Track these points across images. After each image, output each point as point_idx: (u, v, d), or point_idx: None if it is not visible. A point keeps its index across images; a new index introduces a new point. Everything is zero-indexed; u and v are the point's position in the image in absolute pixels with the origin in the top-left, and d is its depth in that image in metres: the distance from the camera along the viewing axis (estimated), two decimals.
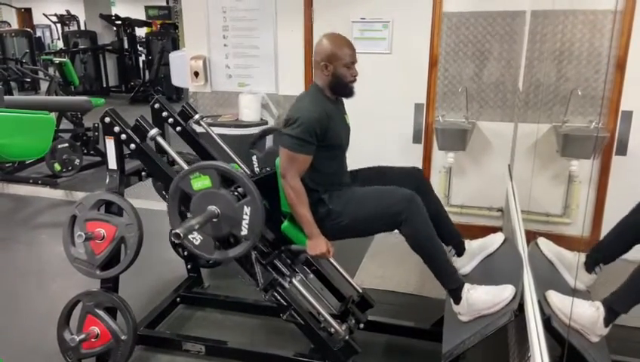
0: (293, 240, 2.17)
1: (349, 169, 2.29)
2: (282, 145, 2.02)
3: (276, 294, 2.11)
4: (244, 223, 1.88)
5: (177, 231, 1.74)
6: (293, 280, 2.16)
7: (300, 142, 1.98)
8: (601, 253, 2.08)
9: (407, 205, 1.96)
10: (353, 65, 2.08)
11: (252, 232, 1.88)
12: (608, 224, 3.17)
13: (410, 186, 2.07)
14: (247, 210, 1.86)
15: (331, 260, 2.50)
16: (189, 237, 1.95)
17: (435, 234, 2.01)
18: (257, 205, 1.85)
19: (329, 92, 2.12)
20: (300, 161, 2.01)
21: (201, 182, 1.90)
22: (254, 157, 2.60)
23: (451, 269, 2.05)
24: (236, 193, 1.95)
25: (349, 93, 2.13)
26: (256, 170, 2.54)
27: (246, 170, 2.55)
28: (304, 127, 1.97)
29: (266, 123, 3.79)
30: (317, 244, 2.06)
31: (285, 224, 2.17)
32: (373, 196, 2.06)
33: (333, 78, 2.07)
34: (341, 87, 2.10)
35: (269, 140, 2.96)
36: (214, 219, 1.89)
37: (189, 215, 1.98)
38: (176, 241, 1.78)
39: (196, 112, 2.63)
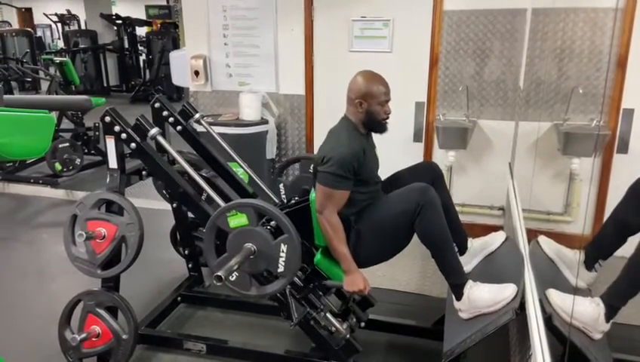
0: (327, 274, 2.16)
1: None
2: (319, 182, 2.02)
3: (279, 295, 2.11)
4: (281, 261, 1.87)
5: (219, 273, 1.73)
6: (327, 315, 2.14)
7: (337, 178, 1.98)
8: (597, 248, 2.08)
9: (422, 195, 1.95)
10: (387, 102, 2.08)
11: (289, 269, 1.87)
12: None
13: (426, 180, 2.08)
14: (284, 247, 1.86)
15: None
16: None
17: (447, 227, 2.00)
18: (295, 243, 1.84)
19: (362, 127, 2.12)
20: (338, 197, 2.01)
21: (237, 220, 1.89)
22: (281, 186, 2.61)
23: (458, 264, 2.04)
24: (269, 227, 1.95)
25: (382, 129, 2.13)
26: (283, 197, 2.55)
27: (271, 195, 2.55)
28: (341, 163, 1.97)
29: (266, 122, 3.79)
30: (354, 281, 2.05)
31: (318, 257, 2.15)
32: (390, 200, 2.07)
33: (367, 116, 2.07)
34: (375, 124, 2.10)
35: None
36: (251, 257, 1.88)
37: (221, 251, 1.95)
38: (219, 284, 1.77)
39: (196, 111, 2.63)
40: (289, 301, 2.10)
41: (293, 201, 2.26)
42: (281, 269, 1.87)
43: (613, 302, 1.77)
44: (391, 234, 2.07)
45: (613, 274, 1.84)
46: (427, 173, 2.20)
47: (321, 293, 2.20)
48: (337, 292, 2.48)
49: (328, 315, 2.14)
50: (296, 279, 2.10)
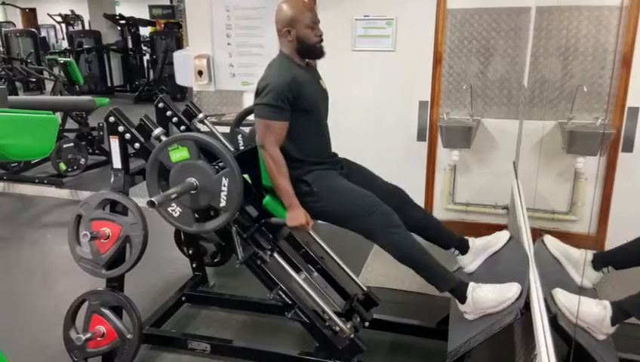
0: (275, 214, 2.17)
1: (342, 155, 2.30)
2: (256, 116, 2.02)
3: (281, 293, 2.11)
4: (223, 195, 1.86)
5: (153, 199, 1.71)
6: (275, 254, 2.15)
7: (272, 108, 1.97)
8: (616, 258, 2.06)
9: (386, 221, 1.99)
10: (316, 25, 2.07)
11: (231, 204, 1.86)
12: (615, 221, 3.19)
13: (390, 204, 2.06)
14: (225, 181, 1.85)
15: (336, 258, 2.50)
16: (168, 209, 1.95)
17: (416, 243, 2.02)
18: (235, 176, 1.84)
19: (297, 57, 2.11)
20: (276, 128, 2.00)
21: (179, 154, 1.89)
22: (239, 136, 2.60)
23: (443, 272, 2.04)
24: (217, 167, 1.95)
25: (318, 53, 2.12)
26: (242, 147, 2.53)
27: (231, 148, 2.54)
28: (274, 93, 1.96)
29: None
30: (296, 216, 2.05)
31: (267, 198, 2.16)
32: (357, 197, 2.06)
33: (298, 42, 2.06)
34: (308, 49, 2.09)
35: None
36: (192, 191, 1.88)
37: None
38: (150, 208, 1.73)
39: (200, 111, 2.63)
40: (235, 240, 2.08)
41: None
42: (223, 204, 1.87)
43: (631, 311, 1.75)
44: (341, 222, 2.10)
45: (622, 279, 1.83)
46: (393, 198, 2.17)
47: (271, 236, 2.21)
48: (341, 293, 2.48)
49: (332, 315, 2.14)
50: (241, 219, 2.11)
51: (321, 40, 2.10)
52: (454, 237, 2.25)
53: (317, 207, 2.10)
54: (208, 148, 1.90)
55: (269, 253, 2.15)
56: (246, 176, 2.09)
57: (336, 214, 2.09)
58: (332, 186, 2.09)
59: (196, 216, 1.98)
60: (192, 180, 1.88)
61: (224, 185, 1.85)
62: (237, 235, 2.09)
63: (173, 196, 1.80)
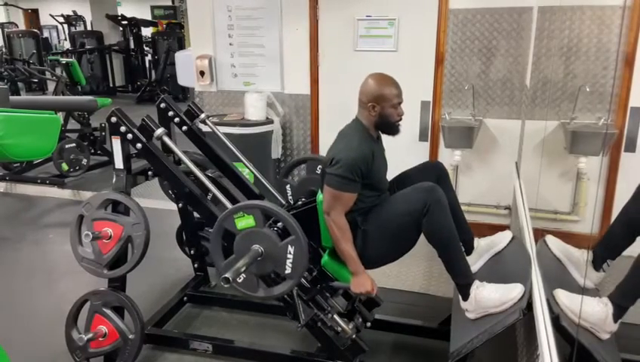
0: (334, 275, 2.15)
1: None
2: (326, 184, 2.01)
3: (286, 296, 2.11)
4: (288, 262, 1.86)
5: (227, 275, 1.73)
6: (335, 316, 2.14)
7: (345, 180, 1.97)
8: (606, 248, 2.07)
9: (429, 194, 1.93)
10: (400, 105, 2.08)
11: (296, 271, 1.86)
12: None
13: (432, 179, 2.06)
14: (291, 249, 1.85)
15: None
16: None
17: (454, 226, 1.99)
18: (302, 245, 1.84)
19: (373, 131, 2.11)
20: (345, 199, 2.00)
21: (244, 222, 1.89)
22: (288, 187, 2.60)
23: (465, 264, 2.03)
24: (276, 228, 1.95)
25: (395, 132, 2.12)
26: (290, 198, 2.54)
27: (277, 195, 2.55)
28: (349, 165, 1.96)
29: (271, 122, 3.78)
30: (362, 282, 2.04)
31: (325, 259, 2.14)
32: (396, 200, 2.05)
33: (380, 119, 2.06)
34: (388, 126, 2.10)
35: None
36: (258, 258, 1.88)
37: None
38: (226, 285, 1.77)
39: (202, 112, 2.64)
40: (296, 302, 2.09)
41: (300, 202, 2.26)
42: (288, 271, 1.87)
43: (621, 302, 1.76)
44: (398, 234, 2.05)
45: (621, 274, 1.83)
46: (433, 173, 2.19)
47: (328, 295, 2.20)
48: (343, 293, 2.48)
49: (334, 315, 2.14)
50: (303, 280, 2.10)
51: (401, 119, 2.10)
52: (468, 235, 2.24)
53: (372, 247, 2.06)
54: (275, 217, 1.91)
55: (329, 315, 2.13)
56: None
57: (389, 228, 2.03)
58: (375, 213, 2.07)
59: (259, 281, 1.97)
60: (258, 248, 1.87)
61: (290, 253, 1.85)
62: (298, 298, 2.09)
63: (243, 269, 1.81)
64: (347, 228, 2.01)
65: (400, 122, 2.10)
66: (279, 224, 1.95)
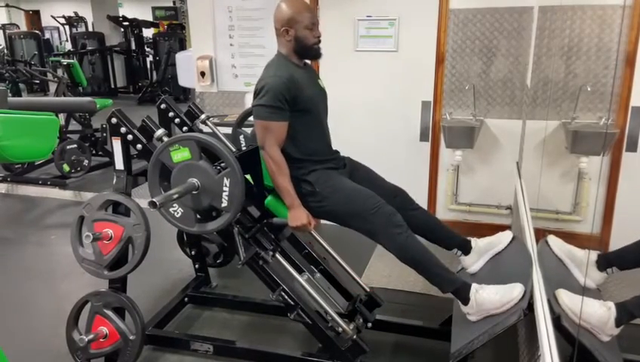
0: (277, 214, 2.17)
1: (345, 155, 2.30)
2: (255, 117, 2.02)
3: (284, 294, 2.11)
4: (224, 195, 1.86)
5: (154, 199, 1.71)
6: (276, 255, 2.15)
7: (270, 109, 1.98)
8: (620, 259, 2.05)
9: (388, 221, 1.98)
10: (315, 26, 2.07)
11: (232, 204, 1.86)
12: (619, 221, 3.17)
13: (393, 204, 2.06)
14: (226, 181, 1.85)
15: (338, 259, 2.49)
16: (170, 209, 1.95)
17: (418, 245, 2.01)
18: (237, 176, 1.83)
19: (295, 57, 2.11)
20: (275, 129, 2.00)
21: (180, 154, 1.89)
22: (242, 137, 2.60)
23: (446, 273, 2.03)
24: (219, 168, 1.95)
25: (315, 54, 2.13)
26: (244, 148, 2.53)
27: (233, 148, 2.54)
28: (272, 93, 1.97)
29: None
30: (298, 216, 2.05)
31: (269, 198, 2.16)
32: (359, 196, 2.05)
33: (296, 42, 2.07)
34: (306, 49, 2.09)
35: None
36: (194, 192, 1.87)
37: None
38: (152, 209, 1.73)
39: (202, 112, 2.63)
40: (237, 240, 2.07)
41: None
42: (224, 204, 1.87)
43: (636, 312, 1.74)
44: (343, 222, 2.10)
45: (624, 276, 1.82)
46: (396, 199, 2.17)
47: (272, 236, 2.21)
48: (344, 293, 2.48)
49: (335, 315, 2.14)
50: (243, 219, 2.11)
51: (319, 41, 2.10)
52: (457, 238, 2.24)
53: (319, 207, 2.10)
54: (210, 148, 1.90)
55: (270, 253, 2.14)
56: (248, 176, 2.09)
57: (338, 214, 2.09)
58: (334, 186, 2.09)
59: (198, 216, 1.98)
60: (194, 180, 1.88)
61: (226, 186, 1.85)
62: (239, 236, 2.08)
63: (175, 196, 1.80)
64: (283, 162, 2.02)
65: (318, 44, 2.10)
66: (222, 165, 1.94)
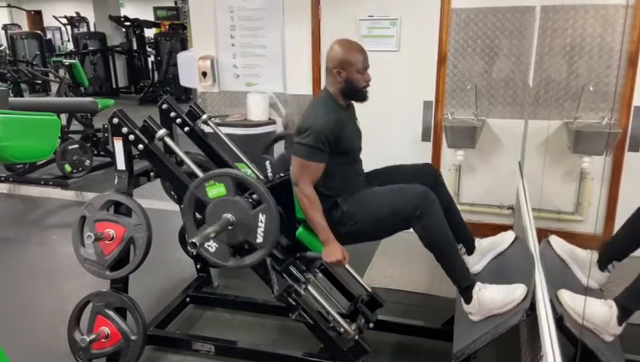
0: (309, 246, 2.15)
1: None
2: (294, 154, 2.01)
3: (285, 294, 2.10)
4: (260, 231, 1.86)
5: (194, 240, 1.73)
6: (309, 287, 2.14)
7: (311, 150, 1.97)
8: (613, 249, 2.06)
9: (421, 201, 1.93)
10: (366, 70, 2.07)
11: (267, 240, 1.87)
12: (621, 221, 3.12)
13: (424, 182, 2.05)
14: (262, 217, 1.85)
15: None
16: (205, 245, 1.95)
17: (449, 230, 1.99)
18: (273, 213, 1.84)
19: (341, 98, 2.10)
20: (312, 169, 2.00)
21: (216, 190, 1.89)
22: (267, 163, 2.60)
23: (464, 267, 2.02)
24: (251, 200, 1.95)
25: (363, 98, 2.11)
26: (270, 175, 2.53)
27: (258, 174, 2.54)
28: (316, 135, 1.96)
29: (274, 122, 3.78)
30: (332, 251, 2.04)
31: (300, 230, 2.14)
32: (386, 195, 2.04)
33: (347, 85, 2.06)
34: (355, 92, 2.08)
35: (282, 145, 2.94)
36: (229, 227, 1.88)
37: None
38: (193, 250, 1.77)
39: (204, 112, 2.63)
40: (270, 273, 2.07)
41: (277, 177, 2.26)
42: (259, 240, 1.87)
43: (628, 305, 1.74)
44: (380, 225, 2.06)
45: (627, 275, 1.82)
46: (427, 176, 2.17)
47: (304, 268, 2.20)
48: (346, 294, 2.48)
49: (336, 316, 2.13)
50: (276, 252, 2.10)
51: (368, 85, 2.09)
52: (467, 235, 2.23)
53: (352, 229, 2.07)
54: (246, 184, 1.91)
55: (303, 286, 2.13)
56: (278, 207, 2.08)
57: (374, 221, 2.05)
58: (361, 200, 2.07)
59: (232, 250, 1.97)
60: (229, 216, 1.87)
61: (261, 221, 1.86)
62: (272, 268, 2.08)
63: (213, 235, 1.80)
64: (316, 198, 2.01)
65: (367, 88, 2.09)
66: (254, 196, 1.94)
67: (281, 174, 2.28)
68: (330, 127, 1.98)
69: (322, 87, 2.17)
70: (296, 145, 2.01)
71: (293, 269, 2.16)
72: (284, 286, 2.09)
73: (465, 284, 1.98)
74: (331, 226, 2.04)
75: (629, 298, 1.76)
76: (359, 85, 2.06)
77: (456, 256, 2.01)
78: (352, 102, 2.18)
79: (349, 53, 2.03)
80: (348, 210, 2.06)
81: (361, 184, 2.19)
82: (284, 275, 2.11)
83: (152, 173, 2.39)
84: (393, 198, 2.01)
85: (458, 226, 2.20)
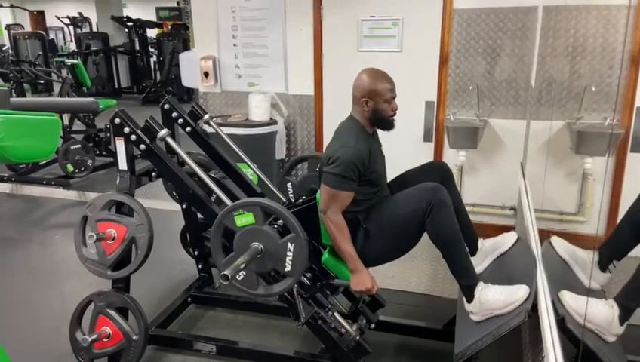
0: (334, 272, 2.14)
1: None
2: (324, 183, 2.00)
3: (286, 294, 2.10)
4: (288, 260, 1.86)
5: (226, 272, 1.72)
6: (337, 316, 2.13)
7: (342, 179, 1.96)
8: (612, 248, 2.05)
9: (433, 194, 1.92)
10: (393, 99, 2.06)
11: (296, 268, 1.86)
12: None
13: (436, 180, 2.05)
14: (290, 246, 1.85)
15: None
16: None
17: (457, 227, 1.97)
18: (302, 242, 1.83)
19: (368, 126, 2.10)
20: (342, 198, 1.99)
21: (244, 219, 1.88)
22: (289, 185, 2.60)
23: (469, 265, 2.01)
24: (276, 226, 1.95)
25: (390, 127, 2.11)
26: (291, 196, 2.53)
27: (282, 197, 2.53)
28: (346, 164, 1.95)
29: (275, 123, 3.78)
30: (361, 280, 2.03)
31: (325, 256, 2.13)
32: (399, 199, 2.04)
33: (374, 114, 2.05)
34: (382, 121, 2.08)
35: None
36: (257, 256, 1.87)
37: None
38: (225, 283, 1.76)
39: (206, 113, 2.63)
40: (296, 300, 2.09)
41: (300, 200, 2.25)
42: (288, 268, 1.86)
43: (627, 303, 1.74)
44: (400, 232, 2.04)
45: (627, 275, 1.81)
46: (437, 173, 2.18)
47: (328, 293, 2.19)
48: (347, 294, 2.47)
49: (338, 316, 2.13)
50: (303, 278, 2.09)
51: (395, 114, 2.09)
52: (472, 235, 2.22)
53: (374, 245, 2.05)
54: (275, 214, 1.90)
55: (330, 313, 2.12)
56: None
57: (393, 227, 2.03)
58: (378, 210, 2.06)
59: (259, 278, 1.97)
60: (257, 245, 1.87)
61: (290, 251, 1.85)
62: (298, 295, 2.08)
63: (243, 266, 1.80)
64: (344, 227, 2.00)
65: (394, 117, 2.09)
66: (279, 222, 1.95)
67: (304, 197, 2.27)
68: (360, 157, 1.98)
69: (349, 114, 2.14)
70: (325, 175, 2.00)
71: (319, 296, 2.15)
72: (310, 313, 2.09)
73: (468, 282, 1.97)
74: (358, 251, 2.03)
75: (628, 296, 1.75)
76: (386, 115, 2.06)
77: (463, 253, 2.00)
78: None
79: (376, 82, 2.03)
80: (369, 227, 2.05)
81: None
82: (310, 302, 2.11)
83: (153, 173, 2.39)
84: (407, 199, 2.00)
85: (465, 226, 2.19)
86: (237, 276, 1.91)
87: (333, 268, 2.13)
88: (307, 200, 2.21)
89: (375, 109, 2.04)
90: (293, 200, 2.46)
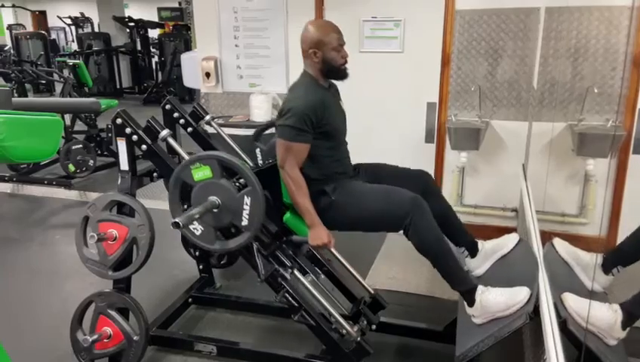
0: (295, 231, 2.16)
1: (354, 163, 2.28)
2: (278, 136, 2.02)
3: (287, 295, 2.10)
4: (245, 213, 1.87)
5: (177, 220, 1.74)
6: (295, 272, 2.14)
7: (295, 130, 1.97)
8: (620, 255, 2.04)
9: (412, 208, 1.93)
10: (342, 47, 2.07)
11: (252, 223, 1.87)
12: (625, 224, 3.15)
13: (416, 189, 2.05)
14: (247, 200, 1.86)
15: (343, 261, 2.48)
16: (190, 227, 1.96)
17: (442, 236, 1.99)
18: (258, 195, 1.84)
19: (322, 79, 2.11)
20: (297, 151, 2.00)
21: (201, 173, 1.90)
22: (258, 150, 2.60)
23: (460, 271, 2.02)
24: (237, 184, 1.95)
25: (343, 75, 2.12)
26: (260, 162, 2.53)
27: (250, 162, 2.54)
28: (298, 116, 1.96)
29: None
30: (318, 234, 2.04)
31: (287, 215, 2.16)
32: (378, 194, 2.04)
33: (324, 64, 2.06)
34: (333, 71, 2.09)
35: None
36: (215, 210, 1.88)
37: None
38: (175, 229, 1.76)
39: (207, 113, 2.63)
40: (256, 257, 2.07)
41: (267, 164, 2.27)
42: (245, 222, 1.88)
43: (635, 311, 1.73)
44: (367, 224, 2.09)
45: (631, 278, 1.81)
46: (418, 182, 2.17)
47: (291, 252, 2.20)
48: (348, 295, 2.47)
49: (339, 317, 2.13)
50: (262, 236, 2.10)
51: (346, 62, 2.10)
52: (467, 237, 2.22)
53: (340, 218, 2.08)
54: (231, 167, 1.91)
55: (289, 270, 2.13)
56: (265, 191, 2.09)
57: (364, 218, 2.06)
58: (352, 192, 2.07)
59: (217, 233, 1.98)
60: (215, 199, 1.88)
61: (246, 204, 1.86)
62: (258, 253, 2.08)
63: (197, 216, 1.81)
64: (302, 182, 2.01)
65: (345, 64, 2.09)
66: (241, 181, 1.94)
67: (270, 160, 2.28)
68: (311, 107, 1.98)
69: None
70: (279, 128, 2.01)
71: (279, 254, 2.16)
72: (270, 270, 2.09)
73: (465, 288, 1.97)
74: (318, 211, 2.04)
75: (637, 304, 1.74)
76: (337, 63, 2.07)
77: (452, 261, 2.00)
78: (335, 82, 2.18)
79: (322, 32, 2.04)
80: (337, 200, 2.06)
81: (348, 170, 2.18)
82: (270, 259, 2.11)
83: (155, 174, 2.38)
84: (385, 200, 2.01)
85: (458, 231, 2.20)
86: (195, 231, 1.93)
87: (294, 226, 2.15)
88: (270, 162, 2.22)
89: (324, 59, 2.05)
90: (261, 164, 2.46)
